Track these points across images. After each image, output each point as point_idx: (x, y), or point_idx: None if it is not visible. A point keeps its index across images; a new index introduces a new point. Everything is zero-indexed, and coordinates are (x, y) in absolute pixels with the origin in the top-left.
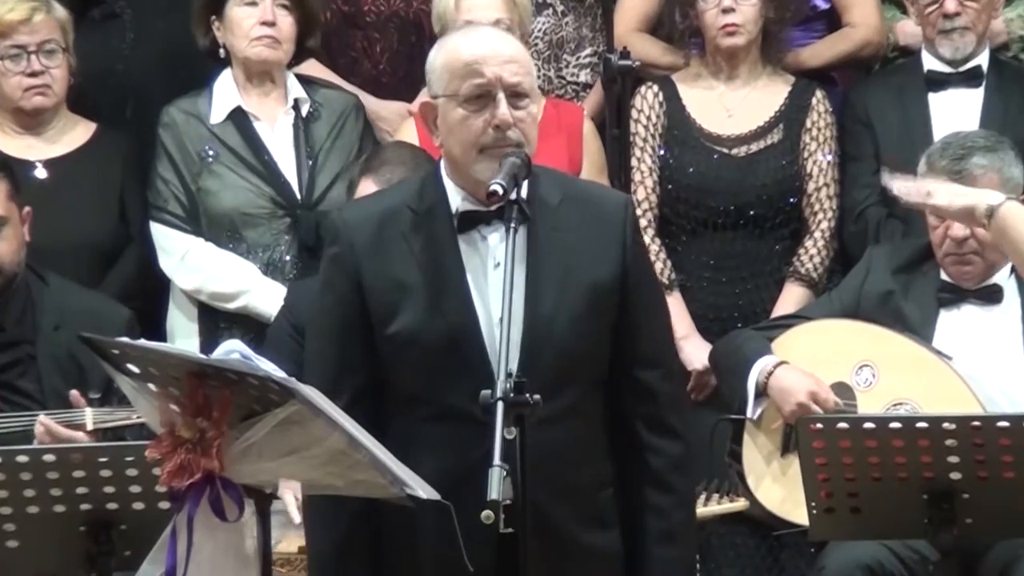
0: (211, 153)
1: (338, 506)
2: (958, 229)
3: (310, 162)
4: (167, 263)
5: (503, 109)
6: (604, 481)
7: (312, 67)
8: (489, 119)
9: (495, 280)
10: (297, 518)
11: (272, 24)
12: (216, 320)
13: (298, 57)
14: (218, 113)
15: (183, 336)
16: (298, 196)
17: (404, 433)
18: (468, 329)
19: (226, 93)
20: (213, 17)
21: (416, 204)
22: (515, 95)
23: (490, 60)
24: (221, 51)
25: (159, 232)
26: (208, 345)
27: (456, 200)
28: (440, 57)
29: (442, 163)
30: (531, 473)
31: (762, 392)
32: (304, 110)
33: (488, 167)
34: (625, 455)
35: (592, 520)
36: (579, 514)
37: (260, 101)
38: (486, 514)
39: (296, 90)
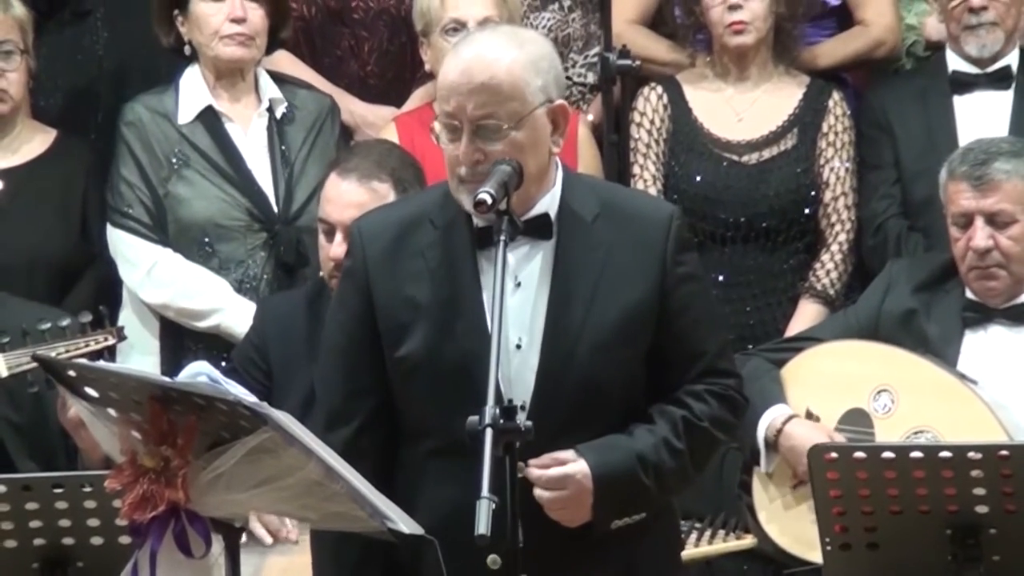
0: (181, 156)
1: (346, 540)
2: (980, 239)
3: (286, 172)
4: (131, 275)
5: (464, 146)
6: (629, 527)
7: (282, 59)
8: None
9: (516, 302)
10: (268, 539)
11: (242, 20)
12: (181, 339)
13: (268, 49)
14: (186, 112)
15: (142, 352)
16: (275, 209)
17: (412, 466)
18: (481, 355)
19: (194, 90)
20: (176, 12)
21: (437, 217)
22: (484, 129)
23: (459, 88)
24: (187, 48)
25: (121, 240)
26: (171, 364)
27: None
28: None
29: None
30: (541, 514)
31: (772, 447)
32: (279, 112)
33: (467, 199)
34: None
35: (610, 567)
36: (595, 560)
37: (232, 100)
38: (492, 559)
39: (271, 90)
